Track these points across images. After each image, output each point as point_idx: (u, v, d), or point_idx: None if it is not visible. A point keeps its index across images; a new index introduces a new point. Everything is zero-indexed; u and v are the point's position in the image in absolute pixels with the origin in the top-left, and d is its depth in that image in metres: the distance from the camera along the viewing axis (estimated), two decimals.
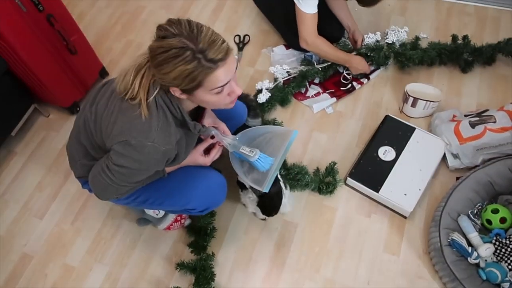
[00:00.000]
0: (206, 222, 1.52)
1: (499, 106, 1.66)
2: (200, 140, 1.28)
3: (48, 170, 1.78)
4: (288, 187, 1.49)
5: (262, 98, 1.76)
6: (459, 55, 1.82)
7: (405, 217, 1.55)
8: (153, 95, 1.00)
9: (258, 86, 1.82)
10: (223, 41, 0.94)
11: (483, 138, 1.54)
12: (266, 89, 1.79)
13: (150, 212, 1.51)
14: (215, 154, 1.28)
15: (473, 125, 1.58)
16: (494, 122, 1.56)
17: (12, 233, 1.64)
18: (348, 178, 1.59)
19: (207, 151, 1.29)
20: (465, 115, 1.66)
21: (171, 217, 1.51)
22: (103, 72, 1.99)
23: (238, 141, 1.23)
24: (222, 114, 1.35)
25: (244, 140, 1.23)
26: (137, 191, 1.26)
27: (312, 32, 1.71)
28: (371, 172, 1.58)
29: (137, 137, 1.01)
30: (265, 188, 1.18)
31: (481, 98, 1.80)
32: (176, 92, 0.99)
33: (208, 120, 1.25)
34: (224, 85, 0.97)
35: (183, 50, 0.90)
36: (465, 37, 1.86)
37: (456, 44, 1.85)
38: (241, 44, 2.08)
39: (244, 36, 2.11)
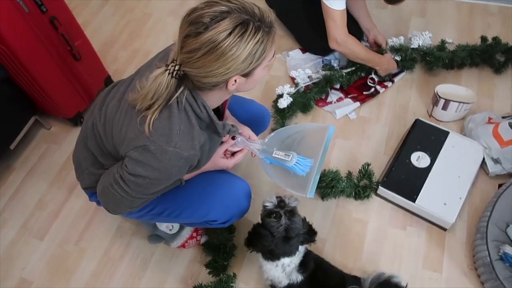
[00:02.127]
0: (225, 239, 1.38)
1: None
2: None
3: (50, 186, 1.64)
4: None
5: (283, 103, 1.64)
6: (492, 55, 1.71)
7: (445, 229, 1.40)
8: (175, 96, 0.88)
9: (278, 91, 1.70)
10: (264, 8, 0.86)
11: None
12: (288, 94, 1.67)
13: (163, 227, 1.36)
14: (240, 156, 1.15)
15: None
16: None
17: (9, 255, 1.48)
18: (379, 187, 1.45)
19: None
20: (503, 117, 1.54)
21: (186, 233, 1.36)
22: (109, 81, 1.87)
23: (267, 144, 1.09)
24: (241, 117, 1.23)
25: (273, 143, 1.10)
26: (151, 202, 1.11)
27: (343, 30, 1.59)
28: (404, 180, 1.44)
29: (157, 142, 0.88)
30: (310, 194, 1.04)
31: None
32: (233, 82, 0.88)
33: None
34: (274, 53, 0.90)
35: (246, 23, 0.80)
36: (495, 38, 1.75)
37: (487, 44, 1.74)
38: None
39: None
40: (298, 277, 1.12)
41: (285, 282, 1.14)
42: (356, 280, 1.14)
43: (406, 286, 0.99)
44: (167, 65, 0.86)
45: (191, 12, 0.82)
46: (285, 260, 1.12)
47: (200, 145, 0.94)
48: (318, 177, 1.05)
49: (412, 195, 1.40)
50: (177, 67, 0.85)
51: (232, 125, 1.03)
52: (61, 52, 1.56)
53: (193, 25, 0.80)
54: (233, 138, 1.12)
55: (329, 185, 1.45)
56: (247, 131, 1.15)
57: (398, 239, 1.41)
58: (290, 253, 1.12)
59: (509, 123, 1.47)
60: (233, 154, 1.16)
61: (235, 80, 0.88)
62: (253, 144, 1.11)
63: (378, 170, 1.54)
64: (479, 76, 1.77)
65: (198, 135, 0.93)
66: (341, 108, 1.69)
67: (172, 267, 1.41)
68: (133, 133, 0.91)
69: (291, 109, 1.66)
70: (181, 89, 0.88)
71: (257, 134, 1.25)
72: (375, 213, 1.47)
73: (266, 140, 1.11)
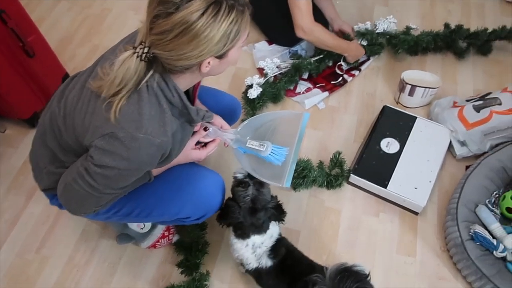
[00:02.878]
0: (197, 236, 1.33)
1: (496, 90, 1.57)
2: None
3: (6, 192, 1.53)
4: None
5: (254, 93, 1.60)
6: (455, 41, 1.74)
7: (416, 213, 1.41)
8: (145, 79, 0.82)
9: (248, 82, 1.66)
10: None
11: (491, 122, 1.44)
12: (257, 84, 1.63)
13: (134, 226, 1.29)
14: (213, 147, 1.10)
15: (477, 109, 1.48)
16: (500, 104, 1.47)
17: None
18: (351, 175, 1.44)
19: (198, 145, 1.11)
20: (467, 100, 1.57)
21: (158, 232, 1.30)
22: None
23: (240, 133, 1.05)
24: (212, 108, 1.18)
25: (246, 132, 1.06)
26: (118, 202, 1.05)
27: (309, 18, 1.56)
28: (375, 166, 1.44)
29: (126, 128, 0.82)
30: (286, 183, 1.00)
31: (477, 84, 1.72)
32: (207, 64, 0.83)
33: None
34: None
35: (219, 2, 0.76)
36: (458, 25, 1.77)
37: (450, 30, 1.77)
38: None
39: None
40: (267, 262, 1.10)
41: (253, 264, 1.12)
42: (323, 269, 1.13)
43: (368, 274, 0.98)
44: (135, 48, 0.80)
45: None
46: (256, 240, 1.10)
47: (172, 132, 0.89)
48: (294, 165, 1.03)
49: (383, 181, 1.40)
50: (146, 50, 0.80)
51: (206, 111, 0.98)
52: (13, 48, 1.45)
53: (163, 5, 0.75)
54: (205, 129, 1.07)
55: (300, 175, 1.42)
56: (219, 120, 1.10)
57: (371, 226, 1.41)
58: (259, 228, 1.10)
59: (473, 105, 1.50)
60: (205, 145, 1.11)
61: (209, 62, 0.83)
62: (226, 134, 1.06)
63: (349, 158, 1.53)
64: (443, 61, 1.79)
65: (170, 121, 0.87)
66: (310, 98, 1.67)
67: (142, 269, 1.35)
68: (98, 121, 0.84)
69: (261, 99, 1.63)
70: (151, 72, 0.83)
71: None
72: (348, 201, 1.46)
73: (239, 129, 1.07)
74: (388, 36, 1.76)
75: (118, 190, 0.93)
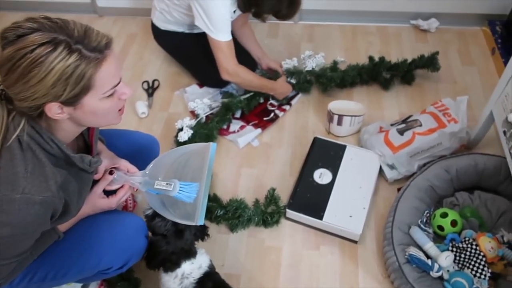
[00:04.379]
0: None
1: (416, 113, 1.64)
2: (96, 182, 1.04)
3: None
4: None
5: (184, 136, 1.58)
6: (379, 73, 1.81)
7: (355, 242, 1.40)
8: (15, 134, 0.77)
9: (178, 125, 1.64)
10: (99, 31, 0.79)
11: (414, 143, 1.49)
12: (188, 126, 1.61)
13: None
14: (123, 194, 1.04)
15: (401, 132, 1.53)
16: (420, 125, 1.53)
17: None
18: (287, 210, 1.42)
19: (110, 193, 1.05)
20: (391, 124, 1.62)
21: None
22: None
23: (149, 175, 1.01)
24: (125, 151, 1.14)
25: (156, 172, 1.02)
26: (30, 268, 0.97)
27: (232, 60, 1.60)
28: (310, 199, 1.43)
29: (1, 192, 0.76)
30: (199, 220, 0.96)
31: (402, 108, 1.79)
32: (52, 109, 0.77)
33: (104, 160, 1.03)
34: (118, 83, 0.82)
35: (54, 43, 0.71)
36: (381, 58, 1.85)
37: (374, 63, 1.84)
38: (151, 89, 1.92)
39: (153, 81, 1.96)
40: None
41: None
42: None
43: None
44: None
45: (13, 23, 0.74)
46: (186, 268, 1.07)
47: (59, 185, 0.83)
48: (206, 201, 0.99)
49: (319, 213, 1.39)
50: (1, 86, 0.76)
51: (93, 156, 0.93)
52: None
53: (2, 36, 0.72)
54: (110, 173, 1.02)
55: (235, 215, 1.39)
56: (124, 164, 1.05)
57: (313, 260, 1.38)
58: (188, 251, 1.08)
59: (397, 129, 1.55)
60: (116, 191, 1.06)
61: (61, 108, 0.78)
62: (133, 177, 1.02)
63: (286, 193, 1.52)
64: (369, 90, 1.86)
65: (52, 174, 0.81)
66: (243, 137, 1.67)
67: None
68: None
69: (194, 141, 1.61)
70: (21, 125, 0.78)
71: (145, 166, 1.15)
72: (288, 237, 1.43)
73: (147, 171, 1.03)
74: (315, 75, 1.81)
75: (14, 259, 0.85)
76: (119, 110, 0.90)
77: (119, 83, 0.83)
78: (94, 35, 0.76)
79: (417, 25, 2.12)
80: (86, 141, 1.00)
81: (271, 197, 1.45)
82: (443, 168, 1.44)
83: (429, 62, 1.81)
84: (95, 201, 1.01)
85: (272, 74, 1.85)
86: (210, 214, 1.43)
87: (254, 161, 1.65)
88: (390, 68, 1.83)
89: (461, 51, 2.01)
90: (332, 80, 1.77)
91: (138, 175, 1.03)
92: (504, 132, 1.31)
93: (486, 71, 1.90)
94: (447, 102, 1.59)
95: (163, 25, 1.79)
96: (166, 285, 1.09)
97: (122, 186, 1.05)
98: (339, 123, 1.64)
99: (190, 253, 1.09)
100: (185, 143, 1.58)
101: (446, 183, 1.44)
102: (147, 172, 1.03)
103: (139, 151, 1.25)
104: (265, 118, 1.75)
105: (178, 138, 1.58)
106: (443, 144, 1.49)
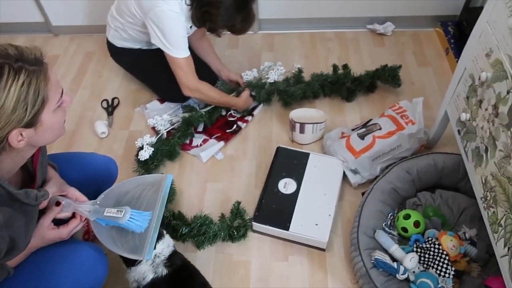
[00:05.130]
0: None
1: (376, 116, 1.66)
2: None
3: None
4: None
5: (145, 154, 1.55)
6: (342, 85, 1.81)
7: (323, 250, 1.40)
8: None
9: (138, 143, 1.61)
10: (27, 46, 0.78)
11: (375, 147, 1.51)
12: (148, 144, 1.58)
13: None
14: (75, 224, 1.00)
15: (362, 136, 1.55)
16: (380, 129, 1.55)
17: None
18: (253, 223, 1.41)
19: (61, 222, 1.01)
20: (352, 129, 1.64)
21: None
22: None
23: (100, 205, 0.98)
24: (79, 175, 1.10)
25: (109, 202, 0.99)
26: None
27: (192, 76, 1.59)
28: (276, 210, 1.42)
29: None
30: (147, 255, 0.93)
31: (363, 112, 1.81)
32: (14, 137, 0.75)
33: (52, 188, 0.99)
34: (62, 91, 0.82)
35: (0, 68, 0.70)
36: (345, 66, 1.86)
37: (337, 74, 1.84)
38: (110, 108, 1.88)
39: (113, 99, 1.91)
40: (163, 271, 1.11)
41: (150, 276, 1.09)
42: None
43: None
44: None
45: None
46: (158, 247, 1.11)
47: (1, 223, 0.79)
48: (156, 234, 0.97)
49: (285, 224, 1.39)
50: None
51: (39, 190, 0.90)
52: None
53: None
54: (57, 203, 0.98)
55: (200, 232, 1.37)
56: (73, 192, 1.01)
57: (282, 272, 1.37)
58: (160, 233, 1.12)
59: (357, 134, 1.56)
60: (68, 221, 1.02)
61: (21, 134, 0.76)
62: (82, 206, 0.99)
63: (252, 205, 1.50)
64: (331, 99, 1.87)
65: None
66: (206, 151, 1.65)
67: None
68: None
69: (156, 159, 1.58)
70: None
71: (104, 190, 1.11)
72: (256, 250, 1.42)
73: (98, 201, 1.00)
74: (278, 90, 1.80)
75: None
76: (64, 121, 0.89)
77: (62, 91, 0.83)
78: (26, 50, 0.75)
79: (373, 29, 2.16)
80: (29, 170, 0.96)
81: (237, 211, 1.44)
82: (404, 170, 1.46)
83: (391, 77, 1.81)
84: (44, 233, 0.96)
85: (233, 86, 1.85)
86: (175, 233, 1.40)
87: (219, 175, 1.63)
88: (353, 81, 1.82)
89: (416, 52, 2.06)
90: (293, 96, 1.76)
91: (88, 204, 0.99)
92: (459, 131, 1.34)
93: (442, 71, 1.96)
94: (404, 104, 1.62)
95: (119, 43, 1.76)
96: (137, 270, 1.09)
97: (74, 216, 1.01)
98: (302, 131, 1.65)
99: (161, 234, 1.13)
100: (146, 161, 1.54)
101: (408, 184, 1.46)
102: (97, 202, 0.99)
103: (95, 174, 1.21)
104: (228, 131, 1.74)
105: (139, 157, 1.54)
106: (402, 146, 1.52)
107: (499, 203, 1.07)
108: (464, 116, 1.28)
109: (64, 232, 0.98)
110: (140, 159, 1.54)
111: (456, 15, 2.12)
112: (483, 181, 1.17)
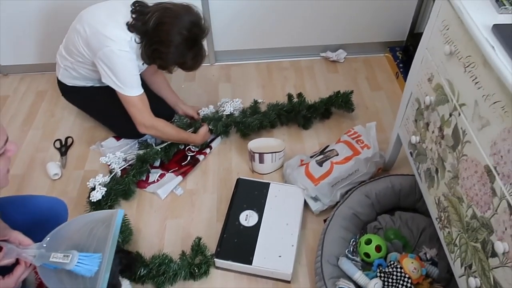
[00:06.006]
0: None
1: (332, 142, 1.69)
2: None
3: None
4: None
5: (97, 195, 1.48)
6: (298, 113, 1.83)
7: (288, 282, 1.37)
8: None
9: (90, 184, 1.54)
10: None
11: (333, 173, 1.52)
12: (100, 184, 1.52)
13: None
14: (21, 271, 0.92)
15: (320, 163, 1.56)
16: (337, 155, 1.57)
17: None
18: (215, 259, 1.37)
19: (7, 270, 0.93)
20: (311, 156, 1.65)
21: None
22: None
23: (46, 248, 0.92)
24: (25, 219, 1.04)
25: (55, 244, 0.93)
26: None
27: (147, 114, 1.56)
28: (238, 244, 1.39)
29: None
30: None
31: (320, 138, 1.83)
32: None
33: None
34: (6, 139, 0.80)
35: None
36: (299, 94, 1.90)
37: (292, 103, 1.86)
38: (64, 148, 1.81)
39: (66, 138, 1.85)
40: None
41: None
42: None
43: None
44: None
45: None
46: None
47: None
48: (108, 275, 0.91)
49: (248, 258, 1.35)
50: None
51: None
52: None
53: None
54: None
55: (159, 272, 1.31)
56: (15, 236, 0.94)
57: None
58: (114, 285, 1.11)
59: (316, 161, 1.57)
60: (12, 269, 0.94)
61: None
62: (26, 251, 0.92)
63: (214, 240, 1.46)
64: (289, 125, 1.89)
65: None
66: (164, 187, 1.61)
67: None
68: None
69: (110, 199, 1.52)
70: None
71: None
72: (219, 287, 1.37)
73: (44, 244, 0.93)
74: (234, 121, 1.79)
75: None
76: (7, 170, 0.85)
77: (7, 139, 0.80)
78: None
79: (326, 57, 2.23)
80: None
81: (197, 247, 1.39)
82: (364, 194, 1.47)
83: (344, 103, 1.85)
84: None
85: (191, 120, 1.83)
86: (133, 275, 1.33)
87: (179, 211, 1.58)
88: (308, 108, 1.85)
89: (369, 77, 2.13)
90: (250, 127, 1.76)
91: (33, 247, 0.93)
92: (411, 153, 1.38)
93: (393, 94, 2.03)
94: (359, 129, 1.65)
95: (69, 81, 1.72)
96: None
97: (19, 262, 0.94)
98: (261, 161, 1.64)
99: (116, 286, 1.05)
100: (98, 202, 1.48)
101: (368, 208, 1.47)
102: (44, 245, 0.93)
103: (43, 218, 1.14)
104: (183, 163, 1.71)
105: (90, 199, 1.48)
106: (360, 171, 1.54)
107: (453, 223, 1.09)
108: (414, 139, 1.31)
109: (10, 281, 0.91)
110: (92, 200, 1.48)
111: (403, 41, 2.23)
112: (437, 202, 1.19)
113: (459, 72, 1.02)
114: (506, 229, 0.86)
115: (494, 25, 0.91)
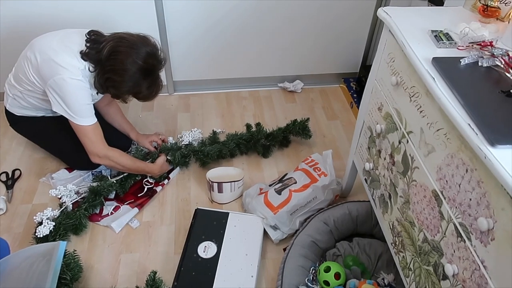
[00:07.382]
0: None
1: (290, 170, 1.71)
2: None
3: None
4: None
5: (44, 230, 1.40)
6: (257, 141, 1.84)
7: None
8: None
9: (37, 218, 1.46)
10: None
11: (292, 201, 1.53)
12: (48, 218, 1.44)
13: None
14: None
15: (279, 191, 1.56)
16: (295, 183, 1.58)
17: None
18: None
19: None
20: (270, 185, 1.65)
21: None
22: None
23: None
24: None
25: None
26: None
27: (101, 144, 1.51)
28: (196, 277, 1.34)
29: None
30: None
31: (279, 166, 1.85)
32: None
33: None
34: None
35: None
36: (258, 124, 1.92)
37: (251, 132, 1.88)
38: (10, 181, 1.71)
39: (14, 171, 1.75)
40: None
41: None
42: None
43: None
44: None
45: None
46: None
47: None
48: None
49: None
50: None
51: None
52: None
53: None
54: None
55: None
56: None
57: None
58: None
59: (274, 189, 1.58)
60: None
61: None
62: None
63: (172, 274, 1.40)
64: (248, 154, 1.89)
65: None
66: (118, 220, 1.55)
67: None
68: None
69: (58, 234, 1.43)
70: None
71: None
72: None
73: None
74: (193, 151, 1.78)
75: None
76: None
77: None
78: None
79: (284, 87, 2.28)
80: None
81: (152, 282, 1.33)
82: (322, 221, 1.49)
83: (302, 130, 1.89)
84: None
85: (148, 150, 1.79)
86: None
87: (134, 245, 1.52)
88: (267, 137, 1.87)
89: (325, 107, 2.20)
90: (209, 156, 1.76)
91: None
92: (366, 180, 1.41)
93: (349, 123, 2.10)
94: (316, 157, 1.68)
95: (18, 111, 1.64)
96: None
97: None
98: (220, 190, 1.62)
99: None
100: (45, 238, 1.40)
101: (326, 236, 1.48)
102: None
103: None
104: (140, 194, 1.66)
105: (36, 234, 1.39)
106: (318, 198, 1.55)
107: (407, 248, 1.12)
108: (368, 166, 1.35)
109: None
110: (38, 236, 1.39)
111: (357, 72, 2.34)
112: (391, 227, 1.22)
113: (405, 101, 1.08)
114: (454, 251, 0.89)
115: (433, 58, 0.97)
